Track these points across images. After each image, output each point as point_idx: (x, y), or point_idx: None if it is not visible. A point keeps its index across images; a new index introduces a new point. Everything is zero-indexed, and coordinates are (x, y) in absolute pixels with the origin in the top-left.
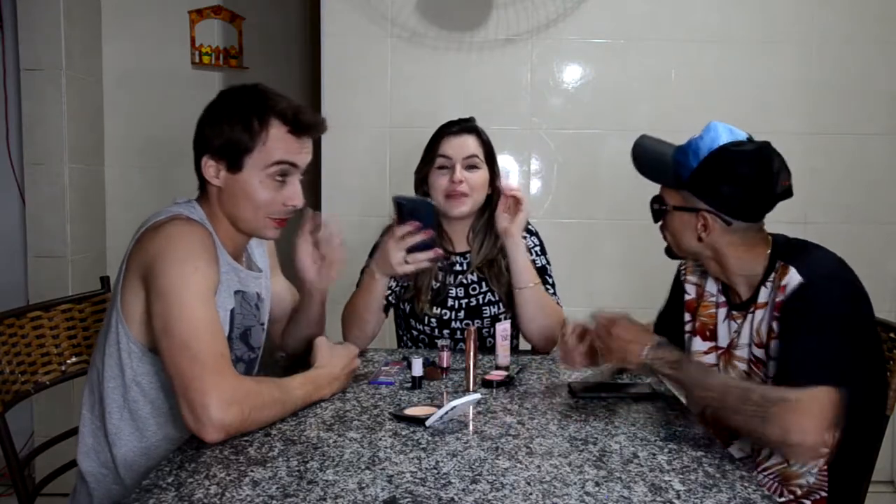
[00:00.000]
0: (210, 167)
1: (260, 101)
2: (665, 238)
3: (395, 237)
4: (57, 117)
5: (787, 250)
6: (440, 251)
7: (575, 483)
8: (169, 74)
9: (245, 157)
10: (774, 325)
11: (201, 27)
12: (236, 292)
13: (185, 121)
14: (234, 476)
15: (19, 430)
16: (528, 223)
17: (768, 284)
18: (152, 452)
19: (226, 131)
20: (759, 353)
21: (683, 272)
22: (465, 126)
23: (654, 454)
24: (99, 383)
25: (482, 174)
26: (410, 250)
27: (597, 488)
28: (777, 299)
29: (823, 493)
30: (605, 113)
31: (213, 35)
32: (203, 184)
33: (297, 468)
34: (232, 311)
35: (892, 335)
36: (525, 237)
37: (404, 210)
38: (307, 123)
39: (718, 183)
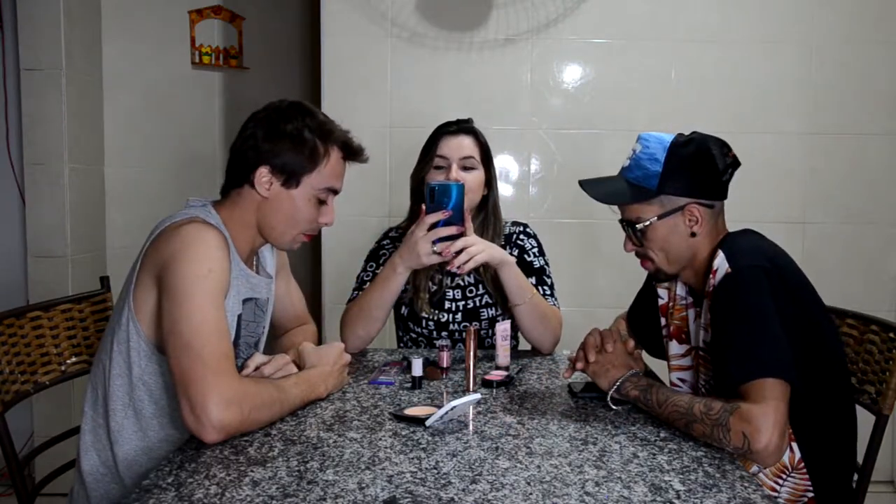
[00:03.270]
0: (264, 178)
1: (323, 127)
2: (649, 260)
3: (423, 225)
4: (57, 117)
5: (725, 238)
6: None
7: (575, 483)
8: (169, 74)
9: (305, 175)
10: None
11: (201, 27)
12: (247, 300)
13: (186, 121)
14: (234, 476)
15: (19, 430)
16: (527, 225)
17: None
18: (153, 452)
19: (291, 152)
20: (708, 337)
21: None
22: (463, 127)
23: (654, 454)
24: (104, 381)
25: (478, 175)
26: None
27: (597, 488)
28: (708, 286)
29: (811, 495)
30: (605, 113)
31: (213, 35)
32: (230, 187)
33: (297, 468)
34: (239, 317)
35: (891, 335)
36: (523, 240)
37: (437, 195)
38: (356, 151)
39: (688, 171)
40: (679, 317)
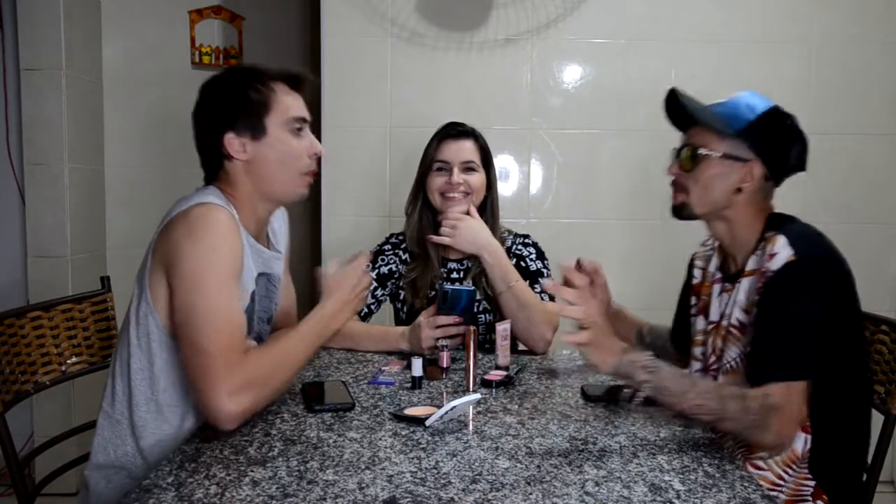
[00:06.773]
0: (234, 143)
1: (251, 71)
2: (684, 191)
3: (432, 323)
4: (57, 117)
5: (777, 221)
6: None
7: (575, 483)
8: (169, 74)
9: (265, 118)
10: (757, 296)
11: (201, 27)
12: (260, 275)
13: (186, 121)
14: (234, 476)
15: (19, 430)
16: (528, 236)
17: (758, 253)
18: (180, 441)
19: (239, 105)
20: (743, 317)
21: (694, 257)
22: (464, 130)
23: (654, 454)
24: (125, 376)
25: (479, 177)
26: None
27: (597, 488)
28: (764, 268)
29: (811, 484)
30: (605, 113)
31: (213, 35)
32: (215, 169)
33: (297, 468)
34: (253, 293)
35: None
36: (521, 249)
37: (448, 298)
38: (298, 76)
39: (773, 137)
40: (707, 292)
